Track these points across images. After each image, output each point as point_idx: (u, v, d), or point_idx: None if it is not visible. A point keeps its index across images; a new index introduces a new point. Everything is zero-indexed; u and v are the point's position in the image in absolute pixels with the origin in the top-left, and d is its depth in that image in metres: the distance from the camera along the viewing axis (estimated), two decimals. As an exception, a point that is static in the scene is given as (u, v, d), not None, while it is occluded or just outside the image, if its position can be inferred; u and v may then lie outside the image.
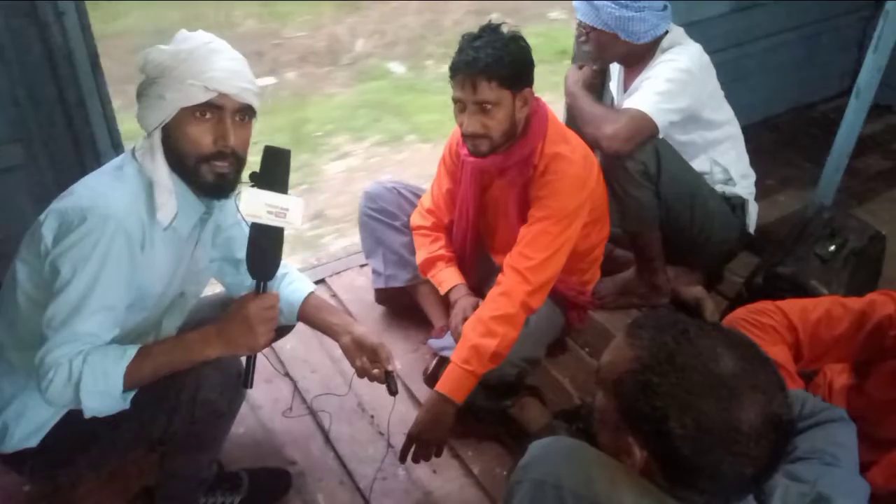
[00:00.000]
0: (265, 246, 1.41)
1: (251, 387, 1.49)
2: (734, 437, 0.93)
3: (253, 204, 1.37)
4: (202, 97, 1.37)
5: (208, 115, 1.40)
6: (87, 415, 1.36)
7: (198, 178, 1.45)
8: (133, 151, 1.47)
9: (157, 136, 1.42)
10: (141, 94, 1.42)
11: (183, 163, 1.43)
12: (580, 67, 2.46)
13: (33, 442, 1.51)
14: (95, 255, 1.34)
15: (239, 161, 1.47)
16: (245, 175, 1.46)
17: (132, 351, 1.37)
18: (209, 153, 1.42)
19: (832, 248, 2.32)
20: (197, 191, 1.49)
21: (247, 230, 1.71)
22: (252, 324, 1.40)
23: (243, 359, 1.48)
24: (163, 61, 1.38)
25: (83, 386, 1.32)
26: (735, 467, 0.95)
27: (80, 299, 1.34)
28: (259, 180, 1.40)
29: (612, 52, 2.30)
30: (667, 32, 2.25)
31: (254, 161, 1.48)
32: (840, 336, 1.43)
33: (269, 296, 1.44)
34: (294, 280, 1.75)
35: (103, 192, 1.39)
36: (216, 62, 1.39)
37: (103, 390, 1.34)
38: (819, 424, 1.17)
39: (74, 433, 1.45)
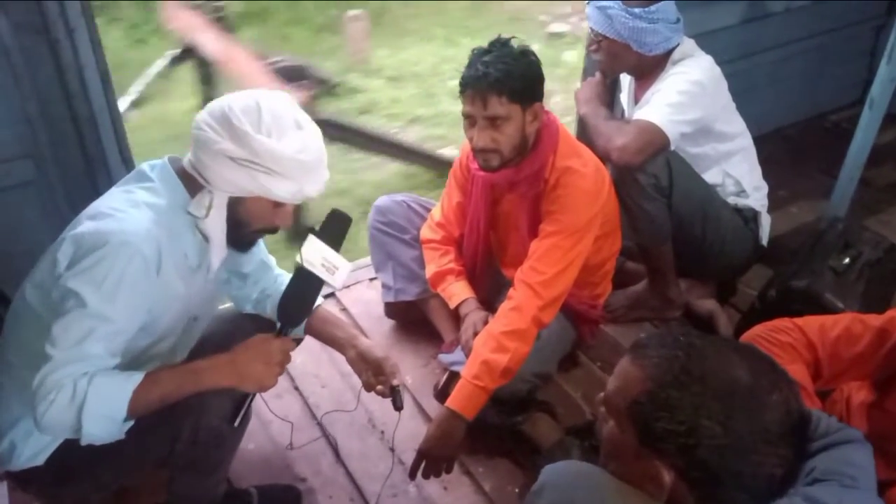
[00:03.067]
0: (305, 294, 1.48)
1: (241, 426, 1.52)
2: (764, 438, 0.93)
3: (314, 253, 1.43)
4: (296, 201, 1.46)
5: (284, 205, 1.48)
6: (84, 441, 1.33)
7: (240, 241, 1.54)
8: (152, 172, 1.47)
9: (225, 198, 1.45)
10: (233, 162, 1.38)
11: (240, 229, 1.50)
12: (594, 77, 2.46)
13: (40, 460, 1.50)
14: (109, 280, 1.32)
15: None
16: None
17: (139, 376, 1.36)
18: (268, 230, 1.52)
19: (846, 260, 2.29)
20: (229, 245, 1.54)
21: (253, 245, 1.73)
22: (271, 360, 1.42)
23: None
24: (285, 161, 1.38)
25: (86, 408, 1.29)
26: (767, 469, 0.94)
27: (89, 322, 1.32)
28: (317, 236, 1.45)
29: (622, 62, 2.29)
30: (678, 44, 2.24)
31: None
32: (860, 354, 1.40)
33: (288, 341, 1.47)
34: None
35: (120, 217, 1.38)
36: (320, 175, 1.45)
37: (107, 414, 1.32)
38: (835, 445, 1.15)
39: (80, 452, 1.43)
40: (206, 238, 1.48)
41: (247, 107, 1.38)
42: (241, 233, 1.51)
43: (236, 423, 1.49)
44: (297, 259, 1.42)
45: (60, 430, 1.34)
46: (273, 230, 1.54)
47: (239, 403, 1.47)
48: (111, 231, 1.34)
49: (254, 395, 1.48)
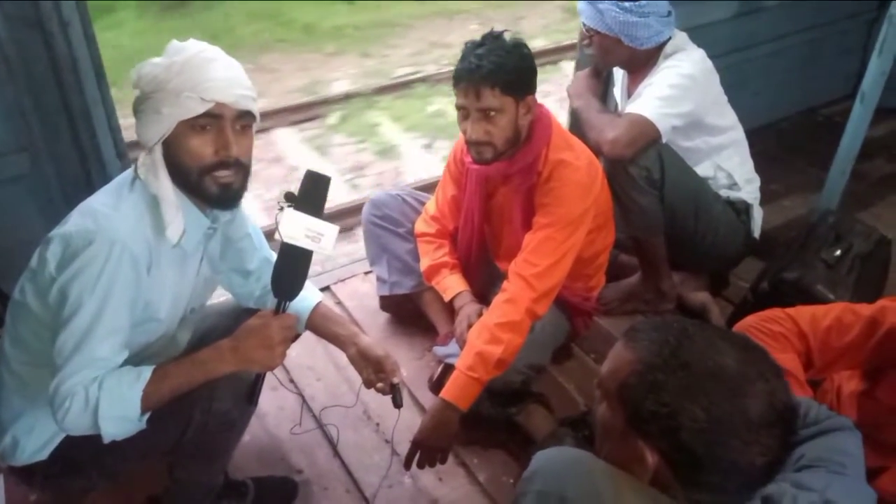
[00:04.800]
0: (294, 267, 1.42)
1: (256, 403, 1.50)
2: (746, 425, 0.95)
3: (293, 226, 1.37)
4: (199, 108, 1.35)
5: (207, 126, 1.38)
6: (106, 440, 1.35)
7: (203, 191, 1.43)
8: (135, 168, 1.45)
9: (158, 151, 1.40)
10: (137, 110, 1.40)
11: (186, 177, 1.42)
12: (594, 73, 2.47)
13: (44, 455, 1.51)
14: (102, 281, 1.33)
15: (243, 169, 1.45)
16: (271, 192, 1.46)
17: (147, 373, 1.37)
18: (211, 164, 1.40)
19: (838, 252, 2.30)
20: (203, 203, 1.48)
21: (257, 243, 1.73)
22: (272, 343, 1.41)
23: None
24: (157, 75, 1.36)
25: (101, 412, 1.32)
26: (747, 457, 0.96)
27: (89, 326, 1.33)
28: (297, 202, 1.39)
29: (614, 56, 2.30)
30: (670, 38, 2.25)
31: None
32: (851, 343, 1.42)
33: (289, 316, 1.45)
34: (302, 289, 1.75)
35: (107, 214, 1.38)
36: (211, 71, 1.37)
37: (121, 415, 1.34)
38: (824, 433, 1.17)
39: (85, 444, 1.44)
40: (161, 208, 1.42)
41: None
42: (192, 180, 1.41)
43: (255, 403, 1.50)
44: (277, 235, 1.38)
45: (82, 432, 1.37)
46: (221, 164, 1.41)
47: (253, 383, 1.48)
48: (97, 230, 1.34)
49: (264, 374, 1.48)
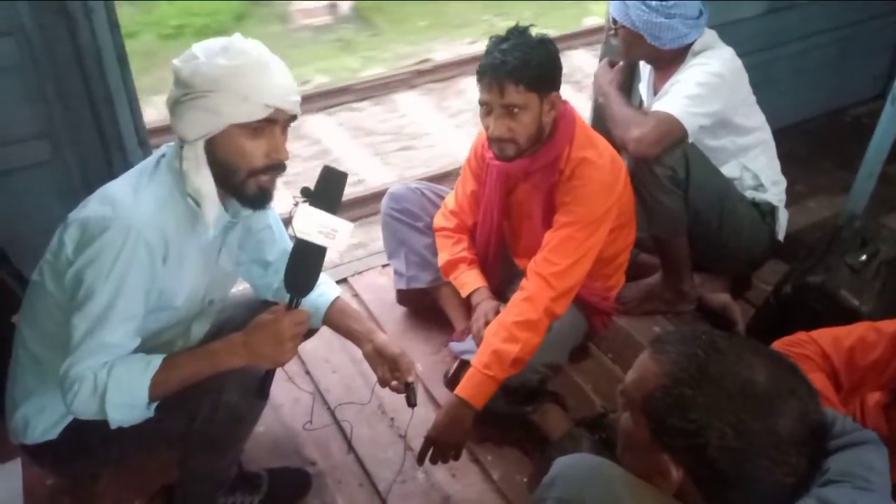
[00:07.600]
0: (308, 263, 1.42)
1: (266, 398, 1.50)
2: (775, 444, 0.92)
3: (307, 222, 1.37)
4: (261, 114, 1.36)
5: (260, 129, 1.39)
6: (113, 426, 1.37)
7: (243, 192, 1.45)
8: (162, 159, 1.45)
9: (201, 146, 1.40)
10: (182, 104, 1.37)
11: (231, 176, 1.42)
12: (612, 65, 2.43)
13: (54, 434, 1.52)
14: (117, 268, 1.33)
15: (282, 171, 1.47)
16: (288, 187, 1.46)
17: (157, 361, 1.38)
18: (261, 167, 1.42)
19: (863, 257, 2.26)
20: (237, 202, 1.49)
21: (277, 234, 1.73)
22: (282, 338, 1.41)
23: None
24: (218, 77, 1.34)
25: (108, 398, 1.33)
26: (775, 476, 0.93)
27: (102, 311, 1.34)
28: (313, 198, 1.39)
29: (637, 51, 2.27)
30: (695, 40, 2.20)
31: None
32: (876, 361, 1.39)
33: (301, 312, 1.45)
34: (320, 284, 1.73)
35: (125, 201, 1.38)
36: (272, 78, 1.38)
37: (129, 402, 1.35)
38: (849, 446, 1.15)
39: (94, 427, 1.45)
40: (196, 203, 1.43)
41: (187, 54, 1.39)
42: (237, 180, 1.42)
43: (265, 397, 1.50)
44: (290, 231, 1.37)
45: (89, 416, 1.38)
46: (270, 167, 1.43)
47: (263, 378, 1.47)
48: (114, 216, 1.35)
49: (275, 369, 1.48)
